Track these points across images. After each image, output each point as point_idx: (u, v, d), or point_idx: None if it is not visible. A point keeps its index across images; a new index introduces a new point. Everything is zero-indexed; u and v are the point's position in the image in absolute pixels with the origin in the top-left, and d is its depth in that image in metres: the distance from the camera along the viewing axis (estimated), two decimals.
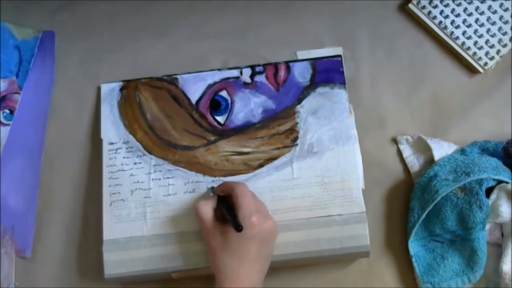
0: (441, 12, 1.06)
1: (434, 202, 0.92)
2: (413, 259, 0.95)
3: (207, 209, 0.88)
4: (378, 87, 1.05)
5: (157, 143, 0.99)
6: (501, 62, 1.05)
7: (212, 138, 0.99)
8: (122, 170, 0.98)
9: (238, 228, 0.83)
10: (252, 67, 1.04)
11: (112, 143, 1.00)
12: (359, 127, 0.99)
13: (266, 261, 0.88)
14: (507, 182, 0.92)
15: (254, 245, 0.85)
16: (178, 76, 1.04)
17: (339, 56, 1.04)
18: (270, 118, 1.00)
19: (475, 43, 1.05)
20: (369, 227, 0.93)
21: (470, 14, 1.06)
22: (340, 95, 1.00)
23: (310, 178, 0.96)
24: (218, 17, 1.10)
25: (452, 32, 1.05)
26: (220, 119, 1.01)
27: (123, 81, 1.04)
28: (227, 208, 0.88)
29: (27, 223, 1.00)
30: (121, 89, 1.04)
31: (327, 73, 1.02)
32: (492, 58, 1.04)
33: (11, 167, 1.03)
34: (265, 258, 0.88)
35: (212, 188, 0.95)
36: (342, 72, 1.02)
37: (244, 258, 0.85)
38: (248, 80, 1.03)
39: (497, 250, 0.95)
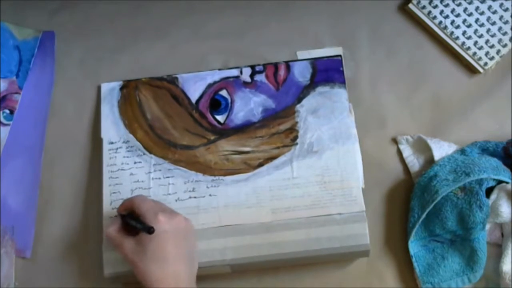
0: (441, 12, 1.06)
1: (434, 202, 0.92)
2: (413, 259, 0.95)
3: (114, 230, 0.88)
4: (378, 87, 1.05)
5: (157, 143, 1.00)
6: (501, 62, 1.05)
7: (212, 137, 0.99)
8: (122, 170, 0.98)
9: (150, 230, 0.82)
10: (252, 66, 1.04)
11: (112, 143, 1.00)
12: (359, 127, 0.99)
13: (190, 260, 0.87)
14: (507, 182, 0.92)
15: (170, 243, 0.84)
16: (178, 76, 1.04)
17: (339, 56, 1.04)
18: (270, 117, 1.00)
19: (475, 43, 1.05)
20: (369, 227, 0.93)
21: (470, 14, 1.06)
22: (340, 94, 1.00)
23: (310, 177, 0.96)
24: (218, 17, 1.10)
25: (452, 32, 1.06)
26: (220, 118, 1.01)
27: (123, 80, 1.04)
28: (132, 219, 0.87)
29: (27, 223, 1.00)
30: (121, 89, 1.04)
31: (327, 72, 1.02)
32: (492, 58, 1.04)
33: (11, 167, 1.03)
34: (187, 256, 0.87)
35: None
36: (342, 72, 1.02)
37: (164, 260, 0.83)
38: (248, 79, 1.03)
39: (497, 250, 0.95)
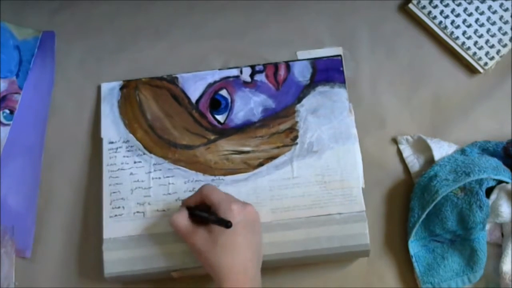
0: (441, 12, 1.06)
1: (434, 202, 0.92)
2: (413, 259, 0.95)
3: (183, 218, 0.88)
4: (378, 87, 1.05)
5: (157, 142, 0.99)
6: (501, 62, 1.05)
7: (212, 137, 0.99)
8: (122, 169, 0.98)
9: (227, 224, 0.82)
10: (252, 66, 1.04)
11: (112, 142, 1.00)
12: (359, 127, 0.99)
13: (257, 250, 0.88)
14: (507, 182, 0.92)
15: (241, 234, 0.84)
16: (178, 75, 1.04)
17: (339, 55, 1.04)
18: (270, 117, 1.00)
19: (475, 43, 1.05)
20: (369, 227, 0.93)
21: (470, 14, 1.06)
22: (340, 94, 1.00)
23: (310, 177, 0.96)
24: (218, 17, 1.10)
25: (452, 32, 1.06)
26: (220, 118, 1.01)
27: (123, 80, 1.04)
28: (202, 211, 0.88)
29: (27, 223, 1.00)
30: (121, 88, 1.04)
31: (327, 72, 1.02)
32: (492, 58, 1.04)
33: (11, 167, 1.03)
34: (255, 246, 0.87)
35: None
36: (342, 71, 1.02)
37: (234, 250, 0.84)
38: (248, 79, 1.03)
39: (497, 250, 0.95)
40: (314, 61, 1.03)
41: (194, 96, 1.02)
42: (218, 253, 0.84)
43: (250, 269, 0.85)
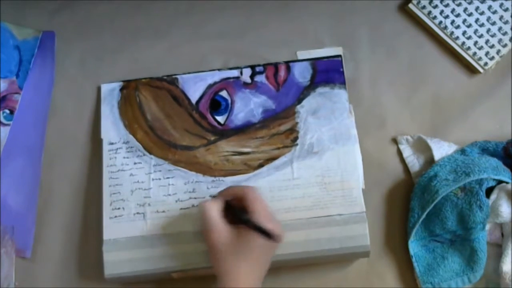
0: (441, 12, 1.06)
1: (434, 202, 0.92)
2: (413, 259, 0.95)
3: (216, 209, 0.86)
4: (378, 87, 1.05)
5: (157, 143, 0.99)
6: (501, 62, 1.05)
7: (212, 138, 0.99)
8: (122, 170, 0.98)
9: (275, 238, 0.81)
10: (252, 67, 1.04)
11: (112, 143, 1.00)
12: (359, 127, 0.99)
13: (267, 264, 0.88)
14: (507, 182, 0.92)
15: (266, 253, 0.85)
16: (178, 76, 1.04)
17: (339, 56, 1.04)
18: (270, 118, 1.00)
19: (475, 43, 1.05)
20: (369, 227, 0.93)
21: (470, 14, 1.06)
22: (340, 95, 1.00)
23: (310, 178, 0.96)
24: (218, 17, 1.10)
25: (452, 32, 1.06)
26: (220, 119, 1.01)
27: (123, 81, 1.04)
28: (241, 212, 0.86)
29: (27, 223, 1.00)
30: (121, 89, 1.04)
31: (327, 73, 1.02)
32: (492, 58, 1.04)
33: (11, 167, 1.03)
34: (267, 261, 0.87)
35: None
36: (342, 72, 1.02)
37: (252, 265, 0.84)
38: (248, 80, 1.03)
39: (497, 250, 0.95)
40: (314, 62, 1.03)
41: (194, 97, 1.02)
42: (234, 260, 0.83)
43: (257, 282, 0.85)
